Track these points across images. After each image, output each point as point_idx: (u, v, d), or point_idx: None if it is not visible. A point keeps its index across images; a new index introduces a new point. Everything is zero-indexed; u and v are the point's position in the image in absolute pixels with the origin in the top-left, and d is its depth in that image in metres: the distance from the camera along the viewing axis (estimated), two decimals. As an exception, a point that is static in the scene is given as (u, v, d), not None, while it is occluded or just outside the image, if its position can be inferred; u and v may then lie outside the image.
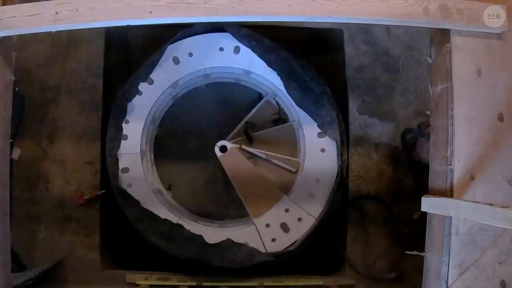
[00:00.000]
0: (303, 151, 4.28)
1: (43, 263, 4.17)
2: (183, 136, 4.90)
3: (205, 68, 4.17)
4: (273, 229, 4.04)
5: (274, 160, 4.36)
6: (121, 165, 4.02)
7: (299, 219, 4.05)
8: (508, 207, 1.83)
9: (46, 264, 4.15)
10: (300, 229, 4.02)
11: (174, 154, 4.83)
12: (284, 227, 4.03)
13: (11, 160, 2.83)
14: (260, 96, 4.78)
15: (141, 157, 4.12)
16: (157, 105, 4.24)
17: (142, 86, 4.06)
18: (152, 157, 4.52)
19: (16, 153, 4.37)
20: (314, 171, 4.10)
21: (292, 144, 4.50)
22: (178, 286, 4.01)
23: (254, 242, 3.99)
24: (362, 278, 4.15)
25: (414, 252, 2.65)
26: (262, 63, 4.03)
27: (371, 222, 4.29)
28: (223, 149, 4.14)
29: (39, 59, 4.54)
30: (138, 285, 3.99)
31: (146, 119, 4.13)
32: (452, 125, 2.42)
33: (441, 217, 2.42)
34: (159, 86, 4.12)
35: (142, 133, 4.13)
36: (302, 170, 4.15)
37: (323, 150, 4.11)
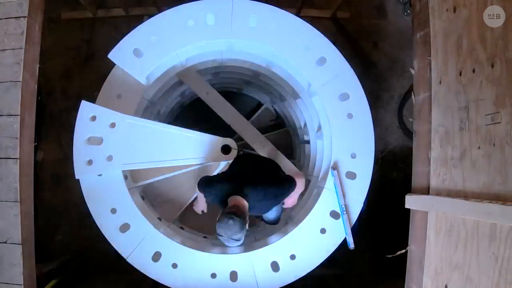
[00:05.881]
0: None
1: (64, 255, 4.19)
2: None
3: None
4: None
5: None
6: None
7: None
8: (481, 200, 1.84)
9: (67, 256, 4.17)
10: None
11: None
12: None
13: (35, 162, 2.84)
14: (259, 104, 4.80)
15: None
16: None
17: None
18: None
19: (40, 155, 4.39)
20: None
21: (288, 147, 4.52)
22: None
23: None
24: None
25: (399, 252, 2.66)
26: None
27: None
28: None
29: (61, 71, 4.56)
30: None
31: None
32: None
33: (423, 213, 2.44)
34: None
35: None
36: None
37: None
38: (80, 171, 2.79)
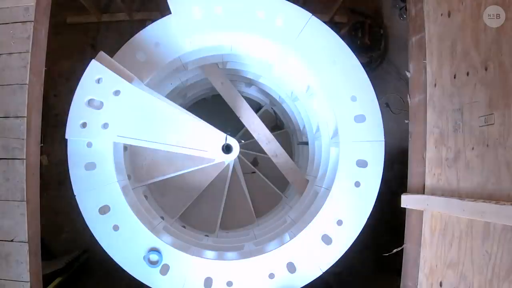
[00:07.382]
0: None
1: (70, 253, 4.19)
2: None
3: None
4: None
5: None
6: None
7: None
8: (475, 200, 1.84)
9: (72, 254, 4.17)
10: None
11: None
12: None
13: (41, 162, 2.85)
14: (259, 106, 4.80)
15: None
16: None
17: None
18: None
19: (43, 161, 4.40)
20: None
21: (288, 149, 4.52)
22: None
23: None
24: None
25: (395, 250, 2.66)
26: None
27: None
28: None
29: (66, 73, 4.57)
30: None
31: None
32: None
33: (419, 212, 2.44)
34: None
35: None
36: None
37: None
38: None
